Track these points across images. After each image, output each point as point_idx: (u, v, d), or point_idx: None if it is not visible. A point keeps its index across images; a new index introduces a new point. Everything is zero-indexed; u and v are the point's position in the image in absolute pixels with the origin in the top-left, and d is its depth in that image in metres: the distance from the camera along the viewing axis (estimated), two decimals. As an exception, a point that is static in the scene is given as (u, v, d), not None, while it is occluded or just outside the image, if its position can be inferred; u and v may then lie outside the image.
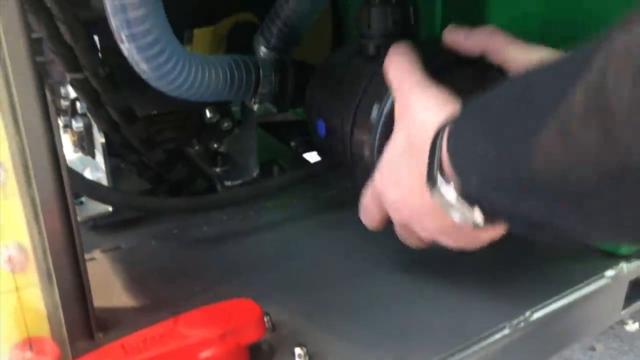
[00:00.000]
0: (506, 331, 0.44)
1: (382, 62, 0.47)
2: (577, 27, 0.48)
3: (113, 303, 0.52)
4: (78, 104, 0.65)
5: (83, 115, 0.65)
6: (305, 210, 0.70)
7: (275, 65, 0.61)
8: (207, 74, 0.55)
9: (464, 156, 0.34)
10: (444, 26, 0.47)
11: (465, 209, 0.36)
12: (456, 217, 0.37)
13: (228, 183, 0.75)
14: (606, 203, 0.25)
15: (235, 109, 0.74)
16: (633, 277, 0.52)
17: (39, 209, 0.38)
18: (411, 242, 0.47)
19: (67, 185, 0.38)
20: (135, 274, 0.57)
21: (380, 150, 0.43)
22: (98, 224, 0.67)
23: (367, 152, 0.44)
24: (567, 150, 0.25)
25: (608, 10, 0.44)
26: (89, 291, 0.42)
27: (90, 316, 0.43)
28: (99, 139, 0.63)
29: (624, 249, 0.52)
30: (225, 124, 0.72)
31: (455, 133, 0.35)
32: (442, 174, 0.36)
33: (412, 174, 0.40)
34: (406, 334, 0.44)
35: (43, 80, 0.36)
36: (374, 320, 0.46)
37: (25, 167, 0.37)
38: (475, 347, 0.42)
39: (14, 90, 0.34)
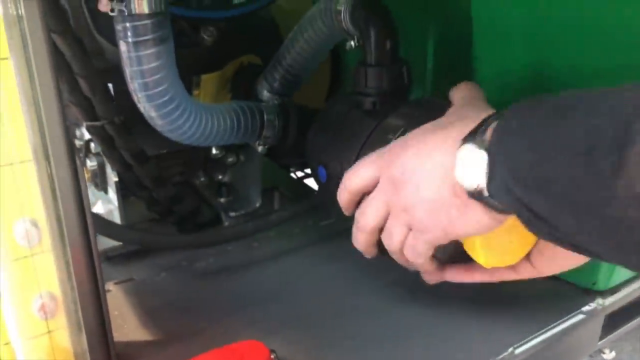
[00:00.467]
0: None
1: (379, 116, 0.51)
2: (564, 78, 0.52)
3: (129, 337, 0.56)
4: (92, 145, 0.69)
5: (97, 154, 0.69)
6: (307, 239, 0.74)
7: (278, 109, 0.66)
8: (215, 123, 0.59)
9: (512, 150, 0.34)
10: (434, 82, 0.51)
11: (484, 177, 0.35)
12: (469, 177, 0.36)
13: (232, 214, 0.79)
14: None
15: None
16: (609, 311, 0.57)
17: (70, 261, 0.42)
18: (396, 241, 0.45)
19: (94, 241, 0.42)
20: (147, 308, 0.61)
21: None
22: (110, 255, 0.71)
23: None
24: None
25: (593, 64, 0.48)
26: (111, 333, 0.46)
27: (111, 355, 0.47)
28: (112, 177, 0.68)
29: (601, 285, 0.56)
30: (230, 159, 0.76)
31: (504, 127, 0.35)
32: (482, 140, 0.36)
33: (438, 147, 0.40)
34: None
35: (74, 147, 0.40)
36: (372, 355, 0.50)
37: (59, 225, 0.41)
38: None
39: (51, 159, 0.39)
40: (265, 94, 0.67)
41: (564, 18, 0.48)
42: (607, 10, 0.46)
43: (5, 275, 0.40)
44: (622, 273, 0.57)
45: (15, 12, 0.36)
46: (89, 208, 0.40)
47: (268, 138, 0.65)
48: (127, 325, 0.57)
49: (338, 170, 0.51)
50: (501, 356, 0.49)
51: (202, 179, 0.80)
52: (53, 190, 0.38)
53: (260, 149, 0.66)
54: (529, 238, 0.45)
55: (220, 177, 0.80)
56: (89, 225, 0.41)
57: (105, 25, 0.58)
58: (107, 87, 0.59)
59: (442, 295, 0.56)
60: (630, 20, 0.45)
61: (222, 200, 0.80)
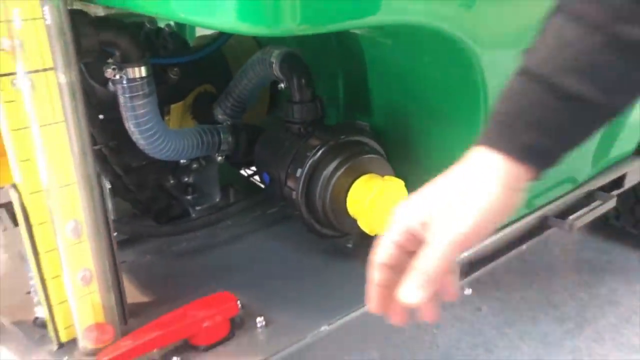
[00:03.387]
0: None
1: (302, 138, 0.75)
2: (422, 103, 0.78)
3: (129, 301, 0.78)
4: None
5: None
6: (258, 224, 0.97)
7: (231, 129, 0.88)
8: (183, 143, 0.82)
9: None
10: (345, 109, 0.75)
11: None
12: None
13: (198, 207, 1.01)
14: None
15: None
16: (464, 261, 0.83)
17: (99, 247, 0.64)
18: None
19: (112, 235, 0.65)
20: (138, 281, 0.83)
21: (302, 195, 0.71)
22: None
23: (294, 195, 0.73)
24: None
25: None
26: (124, 294, 0.69)
27: (125, 310, 0.70)
28: (107, 185, 0.89)
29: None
30: (195, 165, 0.98)
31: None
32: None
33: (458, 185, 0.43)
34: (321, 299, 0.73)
35: (100, 175, 0.62)
36: (308, 295, 0.73)
37: (93, 225, 0.63)
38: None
39: (87, 185, 0.61)
40: (220, 117, 0.90)
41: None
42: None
43: (63, 257, 0.61)
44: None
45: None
46: (110, 214, 0.62)
47: (224, 151, 0.88)
48: (129, 294, 0.79)
49: (276, 176, 0.75)
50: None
51: (172, 181, 1.02)
52: (89, 203, 0.60)
53: (219, 159, 0.89)
54: None
55: (186, 179, 1.02)
56: (110, 224, 0.63)
57: (96, 73, 0.78)
58: (104, 119, 0.80)
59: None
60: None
61: (189, 197, 1.02)
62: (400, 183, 0.70)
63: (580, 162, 1.02)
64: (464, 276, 0.85)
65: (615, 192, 1.09)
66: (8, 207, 1.02)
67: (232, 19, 0.48)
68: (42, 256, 0.62)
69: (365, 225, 0.70)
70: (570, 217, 0.97)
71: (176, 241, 0.93)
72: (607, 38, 0.41)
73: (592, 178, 1.05)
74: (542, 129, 0.43)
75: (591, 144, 1.02)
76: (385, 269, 0.47)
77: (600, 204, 1.03)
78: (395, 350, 1.24)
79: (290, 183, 0.74)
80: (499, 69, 0.75)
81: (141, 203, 0.93)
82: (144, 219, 0.95)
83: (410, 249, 0.46)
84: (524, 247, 0.93)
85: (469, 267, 0.85)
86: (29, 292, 0.79)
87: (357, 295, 0.74)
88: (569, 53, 0.42)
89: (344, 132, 0.75)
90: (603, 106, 0.43)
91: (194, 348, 0.65)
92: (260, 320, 0.68)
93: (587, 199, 1.04)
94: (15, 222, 0.99)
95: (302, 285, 0.73)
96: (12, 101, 0.54)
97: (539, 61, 0.43)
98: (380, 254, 0.47)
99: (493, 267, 0.90)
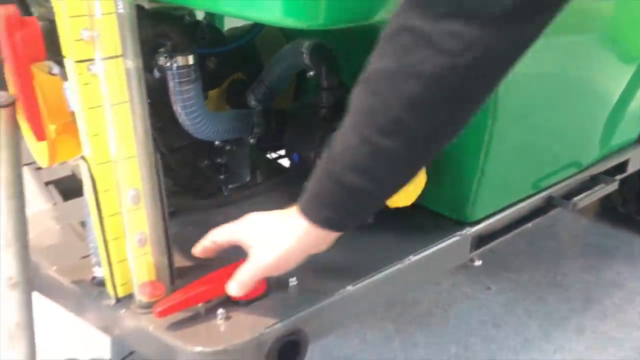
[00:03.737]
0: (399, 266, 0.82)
1: (330, 122, 0.84)
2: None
3: (176, 265, 0.87)
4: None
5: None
6: (285, 201, 1.06)
7: (263, 113, 0.97)
8: (222, 125, 0.91)
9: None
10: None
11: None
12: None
13: (229, 186, 1.10)
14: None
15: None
16: (475, 235, 0.91)
17: (155, 213, 0.73)
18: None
19: (165, 204, 0.74)
20: (184, 249, 0.92)
21: None
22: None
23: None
24: None
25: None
26: (173, 258, 0.78)
27: (173, 271, 0.79)
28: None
29: (468, 219, 0.91)
30: (227, 147, 1.07)
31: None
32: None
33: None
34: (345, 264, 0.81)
35: (155, 149, 0.71)
36: (333, 261, 0.82)
37: (150, 194, 0.72)
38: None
39: (143, 156, 0.70)
40: (252, 103, 0.99)
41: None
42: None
43: (125, 222, 0.71)
44: (485, 210, 0.92)
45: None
46: (163, 185, 0.72)
47: (256, 133, 0.96)
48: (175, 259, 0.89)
49: (306, 155, 0.84)
50: (405, 261, 0.82)
51: (207, 162, 1.11)
52: (147, 175, 0.70)
53: (251, 141, 0.98)
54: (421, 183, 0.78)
55: (219, 160, 1.11)
56: (163, 195, 0.72)
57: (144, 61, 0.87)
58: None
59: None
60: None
61: (222, 177, 1.11)
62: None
63: (585, 147, 1.10)
64: (474, 249, 0.93)
65: (618, 177, 1.16)
66: (57, 183, 1.13)
67: (279, 14, 0.57)
68: (105, 220, 0.71)
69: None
70: (575, 198, 1.04)
71: (212, 215, 1.02)
72: (373, 148, 0.56)
73: (596, 163, 1.13)
74: (337, 208, 0.62)
75: (596, 130, 1.10)
76: (206, 248, 0.76)
77: (603, 187, 1.10)
78: (409, 324, 1.33)
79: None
80: (515, 79, 0.82)
81: (181, 180, 1.03)
82: (184, 195, 1.04)
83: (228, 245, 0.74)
84: (529, 225, 1.01)
85: (479, 240, 0.93)
86: (84, 257, 0.89)
87: (377, 262, 0.83)
88: (350, 156, 0.58)
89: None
90: (376, 193, 0.61)
91: (235, 303, 0.74)
92: (292, 280, 0.77)
93: (591, 182, 1.12)
94: (64, 197, 1.09)
95: (328, 253, 0.81)
96: (87, 84, 0.63)
97: (332, 159, 0.60)
98: (204, 243, 0.77)
99: (501, 242, 0.98)
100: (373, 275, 0.79)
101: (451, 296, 1.42)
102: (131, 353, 1.15)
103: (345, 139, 0.58)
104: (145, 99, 0.67)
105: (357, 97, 0.57)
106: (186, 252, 0.90)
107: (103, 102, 0.65)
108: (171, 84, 0.80)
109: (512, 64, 0.53)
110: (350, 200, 0.60)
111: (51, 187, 1.10)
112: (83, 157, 0.69)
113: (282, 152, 1.25)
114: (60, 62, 0.68)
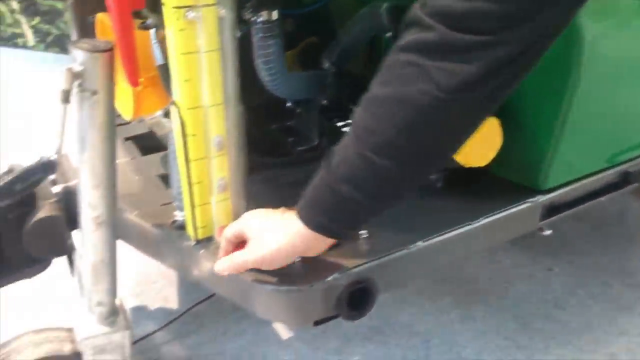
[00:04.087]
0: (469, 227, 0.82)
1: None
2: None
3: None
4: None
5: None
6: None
7: (337, 75, 0.99)
8: (297, 83, 0.93)
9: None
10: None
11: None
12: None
13: (298, 148, 1.13)
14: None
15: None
16: (546, 204, 0.90)
17: (237, 160, 0.77)
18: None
19: (243, 154, 0.77)
20: (254, 202, 0.95)
21: None
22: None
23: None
24: None
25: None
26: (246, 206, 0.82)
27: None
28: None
29: (541, 186, 0.90)
30: (298, 110, 1.10)
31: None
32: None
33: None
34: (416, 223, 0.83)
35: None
36: (405, 219, 0.83)
37: (233, 141, 0.75)
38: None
39: (230, 104, 0.73)
40: (326, 65, 1.01)
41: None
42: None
43: (211, 166, 0.75)
44: (558, 178, 0.91)
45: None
46: (243, 132, 0.75)
47: (329, 95, 0.99)
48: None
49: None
50: (474, 223, 0.83)
51: (277, 124, 1.14)
52: (232, 122, 0.73)
53: (324, 102, 1.00)
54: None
55: (289, 123, 1.14)
56: (242, 143, 0.75)
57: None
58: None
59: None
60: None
61: (291, 139, 1.14)
62: (495, 120, 0.79)
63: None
64: (544, 218, 0.92)
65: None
66: (136, 140, 1.19)
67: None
68: (191, 163, 0.75)
69: (462, 158, 0.79)
70: (653, 175, 1.01)
71: (281, 174, 1.05)
72: (367, 164, 0.60)
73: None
74: (330, 216, 0.65)
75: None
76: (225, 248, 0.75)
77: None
78: (467, 298, 1.33)
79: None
80: (603, 48, 0.81)
81: (252, 140, 1.06)
82: (253, 153, 1.08)
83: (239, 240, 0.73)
84: (603, 198, 0.99)
85: (550, 210, 0.92)
86: (163, 204, 0.94)
87: (448, 222, 0.83)
88: (347, 168, 0.62)
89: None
90: (368, 206, 0.64)
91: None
92: (364, 233, 0.79)
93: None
94: (142, 152, 1.15)
95: (399, 211, 0.82)
96: (183, 30, 0.67)
97: (330, 168, 0.64)
98: (225, 248, 0.75)
99: (571, 213, 0.96)
100: (444, 234, 0.80)
101: (511, 274, 1.41)
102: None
103: (344, 151, 0.63)
104: (235, 48, 0.70)
105: (359, 116, 0.63)
106: (257, 204, 0.94)
107: (197, 49, 0.68)
108: (255, 39, 0.83)
109: (501, 100, 0.60)
110: (343, 209, 0.65)
111: (130, 142, 1.16)
112: (174, 103, 0.73)
113: (347, 121, 1.28)
114: (155, 11, 0.72)
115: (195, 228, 0.80)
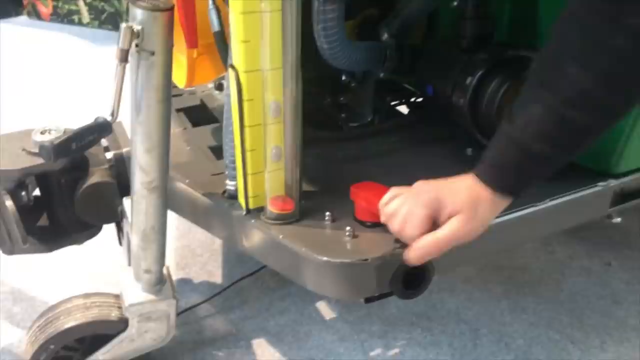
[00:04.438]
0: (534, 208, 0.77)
1: (469, 53, 0.80)
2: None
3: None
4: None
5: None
6: (404, 143, 1.04)
7: (397, 47, 0.95)
8: (357, 54, 0.90)
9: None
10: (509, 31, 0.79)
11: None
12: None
13: (350, 125, 1.10)
14: None
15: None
16: (617, 189, 0.84)
17: (293, 128, 0.74)
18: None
19: (301, 123, 0.74)
20: (305, 177, 0.93)
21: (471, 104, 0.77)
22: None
23: (461, 102, 0.78)
24: None
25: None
26: (302, 177, 0.79)
27: (301, 189, 0.80)
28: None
29: (612, 170, 0.84)
30: (353, 84, 1.06)
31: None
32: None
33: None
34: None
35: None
36: None
37: (290, 108, 0.73)
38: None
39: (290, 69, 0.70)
40: (386, 37, 0.97)
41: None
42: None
43: (266, 133, 0.72)
44: (630, 163, 0.84)
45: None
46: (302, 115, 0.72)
47: (388, 67, 0.95)
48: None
49: (442, 86, 0.81)
50: (540, 204, 0.78)
51: (328, 99, 1.11)
52: (291, 88, 0.70)
53: (381, 75, 0.96)
54: None
55: (341, 99, 1.11)
56: (300, 111, 0.73)
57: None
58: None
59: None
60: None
61: (343, 115, 1.11)
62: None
63: None
64: (614, 204, 0.86)
65: None
66: (187, 111, 1.18)
67: None
68: (246, 129, 0.73)
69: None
70: None
71: (332, 149, 1.02)
72: (559, 118, 0.59)
73: None
74: (519, 176, 0.64)
75: None
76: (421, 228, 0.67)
77: None
78: (518, 289, 1.27)
79: (457, 92, 0.79)
80: None
81: (305, 113, 1.04)
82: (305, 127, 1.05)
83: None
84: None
85: (620, 196, 0.86)
86: (214, 174, 0.93)
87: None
88: (535, 124, 0.60)
89: (512, 49, 0.79)
90: (557, 160, 0.63)
91: (361, 223, 0.74)
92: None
93: None
94: (193, 124, 1.14)
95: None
96: (245, -12, 0.64)
97: (516, 128, 0.62)
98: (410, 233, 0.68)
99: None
100: (508, 214, 0.75)
101: (566, 267, 1.34)
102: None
103: (528, 109, 0.62)
104: (298, 10, 0.67)
105: (539, 71, 0.62)
106: (308, 180, 0.92)
107: (258, 9, 0.66)
108: (315, 4, 0.80)
109: None
110: (533, 167, 0.63)
111: (181, 114, 1.16)
112: (232, 66, 0.71)
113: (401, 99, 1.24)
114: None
115: (246, 197, 0.78)
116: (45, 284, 1.21)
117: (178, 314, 1.12)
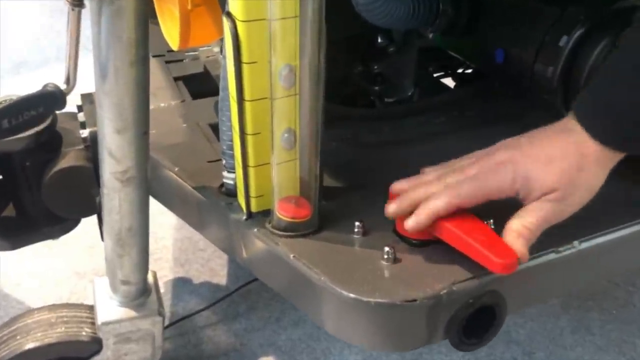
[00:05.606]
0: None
1: (560, 6, 0.58)
2: None
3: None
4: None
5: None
6: (451, 125, 0.82)
7: (450, 1, 0.73)
8: (400, 8, 0.68)
9: None
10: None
11: None
12: None
13: (386, 100, 0.89)
14: None
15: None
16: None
17: (312, 104, 0.53)
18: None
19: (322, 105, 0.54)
20: (328, 167, 0.72)
21: (563, 72, 0.55)
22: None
23: (549, 71, 0.57)
24: None
25: None
26: (322, 172, 0.58)
27: (321, 188, 0.60)
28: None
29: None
30: (391, 49, 0.85)
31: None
32: None
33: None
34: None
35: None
36: None
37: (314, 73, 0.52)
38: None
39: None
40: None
41: None
42: None
43: (274, 110, 0.52)
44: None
45: None
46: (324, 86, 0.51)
47: (440, 25, 0.73)
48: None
49: (521, 49, 0.59)
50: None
51: (360, 68, 0.90)
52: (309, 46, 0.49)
53: (430, 35, 0.74)
54: None
55: (375, 67, 0.90)
56: (321, 81, 0.52)
57: None
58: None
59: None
60: None
61: (377, 88, 0.90)
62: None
63: None
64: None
65: None
66: (187, 80, 1.00)
67: None
68: (246, 104, 0.53)
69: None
70: None
71: (364, 133, 0.81)
72: None
73: None
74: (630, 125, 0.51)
75: None
76: None
77: None
78: (580, 301, 1.07)
79: (544, 58, 0.57)
80: None
81: (329, 84, 0.83)
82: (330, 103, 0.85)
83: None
84: None
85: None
86: (211, 161, 0.74)
87: (611, 216, 0.56)
88: None
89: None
90: None
91: (404, 240, 0.54)
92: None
93: None
94: (194, 96, 0.96)
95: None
96: None
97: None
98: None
99: None
100: (611, 232, 0.54)
101: (638, 277, 1.13)
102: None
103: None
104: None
105: None
106: (331, 170, 0.71)
107: None
108: None
109: None
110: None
111: (180, 83, 0.97)
112: (227, 13, 0.51)
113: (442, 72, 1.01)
114: None
115: (247, 197, 0.58)
116: (15, 284, 1.03)
117: (173, 323, 0.98)
